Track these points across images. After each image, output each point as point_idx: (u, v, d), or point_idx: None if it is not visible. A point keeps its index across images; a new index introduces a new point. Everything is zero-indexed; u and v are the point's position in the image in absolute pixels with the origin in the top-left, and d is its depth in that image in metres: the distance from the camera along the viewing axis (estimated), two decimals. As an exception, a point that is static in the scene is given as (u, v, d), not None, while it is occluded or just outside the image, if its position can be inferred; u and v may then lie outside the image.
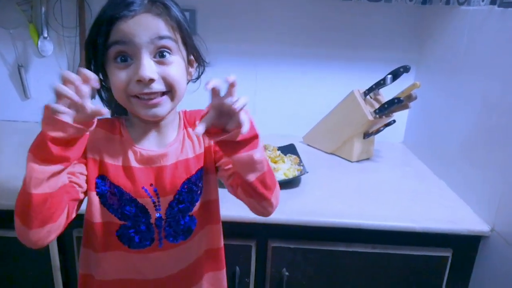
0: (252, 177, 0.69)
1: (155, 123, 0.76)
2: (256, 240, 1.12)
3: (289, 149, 1.44)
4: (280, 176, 1.23)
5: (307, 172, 1.23)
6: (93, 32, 0.71)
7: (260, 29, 1.59)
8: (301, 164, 1.33)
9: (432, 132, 1.47)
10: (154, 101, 0.69)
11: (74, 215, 0.69)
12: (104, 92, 0.79)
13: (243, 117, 0.61)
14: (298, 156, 1.38)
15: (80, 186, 0.71)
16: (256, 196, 0.71)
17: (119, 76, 0.68)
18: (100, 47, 0.68)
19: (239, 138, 0.63)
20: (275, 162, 1.29)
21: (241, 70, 1.64)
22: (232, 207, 0.89)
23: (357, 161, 1.49)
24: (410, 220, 1.08)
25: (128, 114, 0.78)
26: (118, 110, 0.82)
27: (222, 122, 0.63)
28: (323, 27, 1.59)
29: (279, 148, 1.43)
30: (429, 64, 1.52)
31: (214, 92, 0.61)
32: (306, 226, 1.07)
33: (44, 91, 1.61)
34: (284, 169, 1.27)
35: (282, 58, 1.64)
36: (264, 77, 1.66)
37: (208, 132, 0.63)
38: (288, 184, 1.23)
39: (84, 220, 0.79)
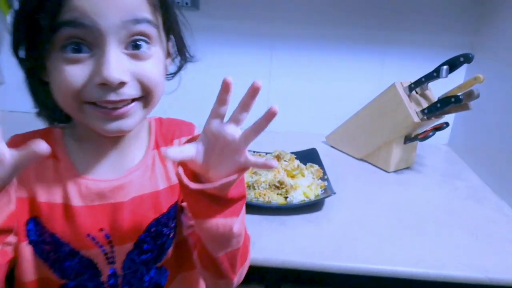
0: (220, 252, 0.52)
1: (113, 139, 0.56)
2: (265, 286, 0.85)
3: (309, 156, 1.15)
4: (298, 196, 0.95)
5: (334, 194, 0.94)
6: (31, 4, 0.47)
7: (278, 4, 1.28)
8: (325, 177, 1.04)
9: (487, 135, 1.16)
10: (121, 110, 0.50)
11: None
12: (40, 90, 0.53)
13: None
14: (322, 167, 1.09)
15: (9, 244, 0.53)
16: (215, 272, 0.55)
17: (70, 74, 0.48)
18: (43, 28, 0.46)
19: (227, 194, 0.47)
20: (293, 177, 1.01)
21: (253, 53, 1.35)
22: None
23: (395, 171, 1.19)
24: (477, 269, 0.78)
25: (70, 122, 0.59)
26: (57, 116, 0.56)
27: (211, 159, 0.47)
28: (356, 2, 1.27)
29: (297, 154, 1.14)
30: (491, 50, 1.19)
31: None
32: (328, 273, 0.79)
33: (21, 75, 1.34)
34: (304, 186, 0.98)
35: (303, 40, 1.33)
36: (280, 63, 1.36)
37: (184, 166, 0.48)
38: (308, 207, 0.95)
39: (15, 281, 0.57)
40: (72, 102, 0.49)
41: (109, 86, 0.47)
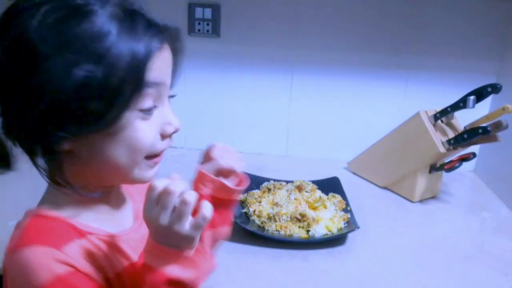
0: None
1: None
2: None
3: (331, 185, 1.13)
4: (320, 229, 0.93)
5: (358, 228, 0.91)
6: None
7: (298, 30, 1.28)
8: (348, 209, 1.02)
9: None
10: (160, 157, 0.55)
11: None
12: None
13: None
14: (344, 197, 1.06)
15: None
16: None
17: (146, 131, 0.49)
18: (124, 94, 0.44)
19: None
20: (315, 209, 0.99)
21: (272, 79, 1.34)
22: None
23: (420, 201, 1.15)
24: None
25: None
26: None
27: None
28: (378, 27, 1.26)
29: (319, 184, 1.12)
30: (519, 77, 1.16)
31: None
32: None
33: None
34: (326, 218, 0.96)
35: (323, 65, 1.32)
36: (301, 89, 1.35)
37: None
38: (331, 242, 0.92)
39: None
40: (140, 159, 0.49)
41: (170, 135, 0.52)
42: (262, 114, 1.39)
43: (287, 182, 1.13)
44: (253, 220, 0.98)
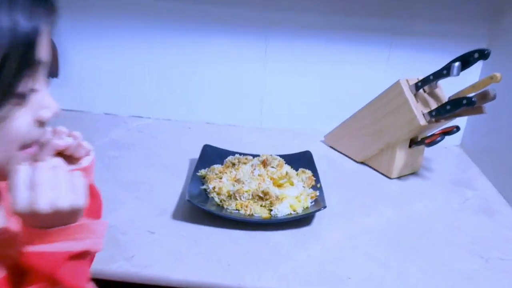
0: None
1: None
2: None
3: (303, 160, 1.04)
4: (283, 209, 0.84)
5: (324, 208, 0.83)
6: None
7: (272, -12, 1.16)
8: (318, 185, 0.93)
9: (506, 138, 1.02)
10: (36, 148, 0.46)
11: None
12: None
13: None
14: (315, 173, 0.98)
15: None
16: None
17: (21, 118, 0.42)
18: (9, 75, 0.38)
19: None
20: (280, 186, 0.90)
21: (245, 42, 1.23)
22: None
23: (398, 178, 1.07)
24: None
25: None
26: None
27: None
28: (361, -13, 1.14)
29: (289, 158, 1.03)
30: (511, 45, 1.05)
31: None
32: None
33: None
34: (292, 197, 0.88)
35: (301, 29, 1.20)
36: (276, 55, 1.24)
37: None
38: (295, 222, 0.84)
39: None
40: (15, 151, 0.43)
41: (46, 121, 0.44)
42: (234, 82, 1.29)
43: (254, 156, 1.04)
44: (212, 198, 0.89)
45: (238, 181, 0.91)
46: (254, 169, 0.94)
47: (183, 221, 0.84)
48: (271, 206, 0.85)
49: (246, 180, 0.90)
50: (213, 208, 0.85)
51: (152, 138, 1.23)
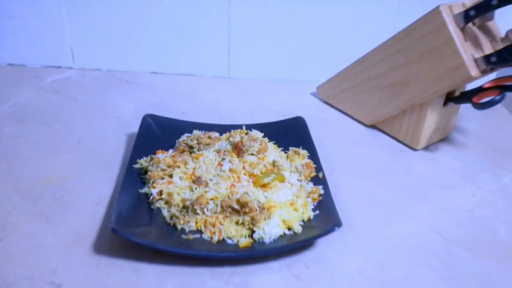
0: None
1: None
2: None
3: (292, 132, 0.71)
4: (272, 229, 0.52)
5: (339, 226, 0.51)
6: None
7: None
8: (321, 175, 0.62)
9: None
10: None
11: None
12: None
13: None
14: (314, 154, 0.65)
15: None
16: None
17: None
18: None
19: None
20: (265, 187, 0.57)
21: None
22: None
23: (425, 148, 0.76)
24: None
25: None
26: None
27: None
28: None
29: (273, 130, 0.70)
30: None
31: None
32: None
33: None
34: (284, 204, 0.55)
35: None
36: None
37: None
38: (289, 251, 0.53)
39: None
40: None
41: None
42: (193, 21, 0.90)
43: (221, 130, 0.69)
44: (157, 210, 0.56)
45: (198, 181, 0.57)
46: (223, 158, 0.60)
47: (111, 257, 0.51)
48: (252, 224, 0.53)
49: (211, 180, 0.57)
50: (155, 233, 0.52)
51: (73, 102, 0.85)
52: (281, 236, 0.53)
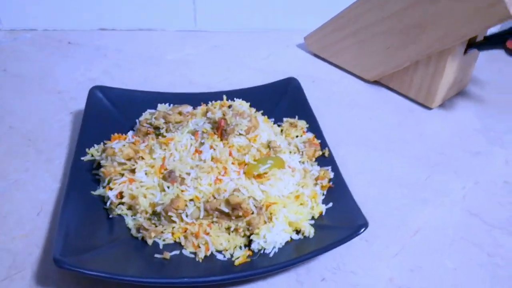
0: None
1: None
2: None
3: (285, 98, 0.56)
4: (276, 236, 0.39)
5: (364, 228, 0.38)
6: None
7: None
8: (327, 153, 0.48)
9: None
10: None
11: None
12: None
13: None
14: (315, 124, 0.52)
15: None
16: None
17: None
18: None
19: None
20: (260, 178, 0.43)
21: None
22: None
23: (441, 106, 0.64)
24: None
25: None
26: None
27: None
28: None
29: (260, 96, 0.55)
30: None
31: None
32: None
33: None
34: (287, 199, 0.42)
35: None
36: None
37: None
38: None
39: None
40: None
41: None
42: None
43: (193, 99, 0.54)
44: (117, 218, 0.42)
45: (170, 176, 0.42)
46: (201, 142, 0.45)
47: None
48: (249, 231, 0.40)
49: (188, 174, 0.42)
50: (118, 254, 0.38)
51: (1, 74, 0.66)
52: (287, 242, 0.40)
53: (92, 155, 0.47)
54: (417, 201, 0.48)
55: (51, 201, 0.46)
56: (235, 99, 0.52)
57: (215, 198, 0.41)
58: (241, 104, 0.51)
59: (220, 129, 0.44)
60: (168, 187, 0.42)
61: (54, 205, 0.45)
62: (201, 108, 0.51)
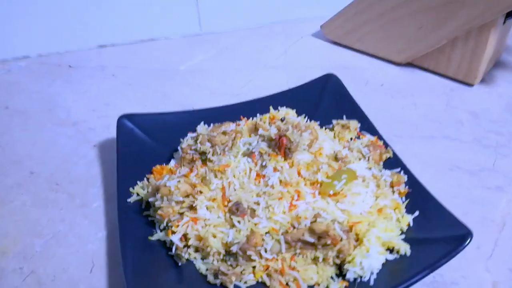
0: None
1: None
2: None
3: (328, 97, 0.52)
4: (373, 260, 0.35)
5: (471, 239, 0.34)
6: None
7: None
8: (388, 155, 0.44)
9: None
10: None
11: None
12: None
13: None
14: (366, 123, 0.48)
15: None
16: None
17: None
18: None
19: None
20: (336, 197, 0.38)
21: None
22: None
23: (481, 81, 0.60)
24: None
25: None
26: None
27: None
28: None
29: (298, 97, 0.51)
30: None
31: None
32: None
33: None
34: (367, 213, 0.38)
35: None
36: None
37: None
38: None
39: None
40: None
41: None
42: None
43: (232, 119, 0.48)
44: (184, 266, 0.37)
45: (237, 209, 0.37)
46: (262, 165, 0.40)
47: None
48: (339, 258, 0.36)
49: (257, 203, 0.38)
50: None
51: (4, 112, 0.60)
52: (382, 264, 0.36)
53: (138, 194, 0.42)
54: (492, 190, 0.45)
55: (101, 253, 0.41)
56: (279, 108, 0.48)
57: (294, 227, 0.36)
58: (287, 114, 0.46)
59: (282, 148, 0.39)
60: (239, 222, 0.37)
61: (107, 258, 0.40)
62: (245, 124, 0.46)
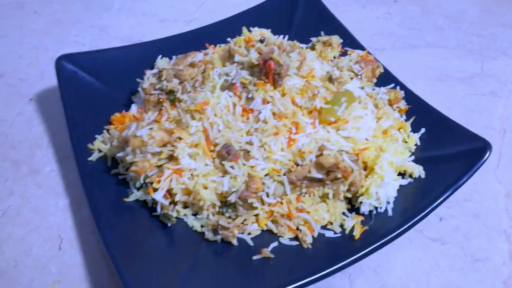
0: None
1: None
2: None
3: (302, 11, 0.45)
4: (389, 189, 0.31)
5: (490, 151, 0.31)
6: None
7: None
8: (383, 74, 0.40)
9: None
10: None
11: None
12: None
13: None
14: (348, 37, 0.42)
15: None
16: None
17: None
18: None
19: None
20: (336, 122, 0.33)
21: None
22: None
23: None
24: None
25: None
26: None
27: None
28: None
29: (269, 22, 0.44)
30: None
31: None
32: None
33: None
34: (368, 129, 0.34)
35: None
36: None
37: None
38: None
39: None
40: None
41: None
42: None
43: (197, 47, 0.41)
44: (174, 221, 0.32)
45: (228, 153, 0.32)
46: (248, 97, 0.34)
47: None
48: (350, 192, 0.32)
49: (250, 143, 0.32)
50: (208, 278, 0.29)
51: None
52: (412, 188, 0.33)
53: (100, 150, 0.35)
54: (486, 96, 0.43)
55: (67, 225, 0.34)
56: (251, 29, 0.41)
57: (298, 165, 0.31)
58: (262, 34, 0.39)
59: (271, 73, 0.33)
60: (232, 167, 0.31)
61: (75, 229, 0.34)
62: (214, 52, 0.39)
